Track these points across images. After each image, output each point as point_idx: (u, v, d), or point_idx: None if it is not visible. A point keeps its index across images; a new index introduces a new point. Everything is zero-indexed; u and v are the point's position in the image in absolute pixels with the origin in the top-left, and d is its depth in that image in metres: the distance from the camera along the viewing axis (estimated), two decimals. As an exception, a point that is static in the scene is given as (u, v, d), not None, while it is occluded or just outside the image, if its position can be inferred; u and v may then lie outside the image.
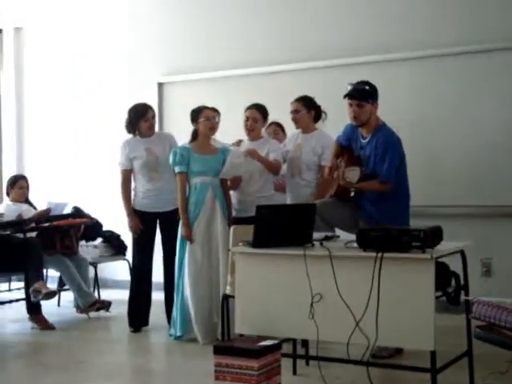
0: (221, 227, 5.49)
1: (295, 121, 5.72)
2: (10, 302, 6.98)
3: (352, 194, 5.07)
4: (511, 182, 6.19)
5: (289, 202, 5.67)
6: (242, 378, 3.72)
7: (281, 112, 5.88)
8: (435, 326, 3.58)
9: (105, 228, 7.34)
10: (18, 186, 6.90)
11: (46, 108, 8.71)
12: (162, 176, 5.91)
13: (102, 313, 6.62)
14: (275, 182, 5.75)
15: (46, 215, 6.73)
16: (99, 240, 7.35)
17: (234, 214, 5.65)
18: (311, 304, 3.85)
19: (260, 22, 7.36)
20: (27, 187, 6.99)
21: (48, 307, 6.63)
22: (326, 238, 4.17)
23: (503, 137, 6.23)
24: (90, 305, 6.58)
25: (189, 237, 5.47)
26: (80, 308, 6.64)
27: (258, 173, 5.57)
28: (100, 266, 7.29)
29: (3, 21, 8.66)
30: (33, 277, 6.09)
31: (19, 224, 6.55)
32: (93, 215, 7.22)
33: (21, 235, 6.50)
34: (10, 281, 7.72)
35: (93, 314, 6.61)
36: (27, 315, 6.33)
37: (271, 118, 5.87)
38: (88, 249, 7.20)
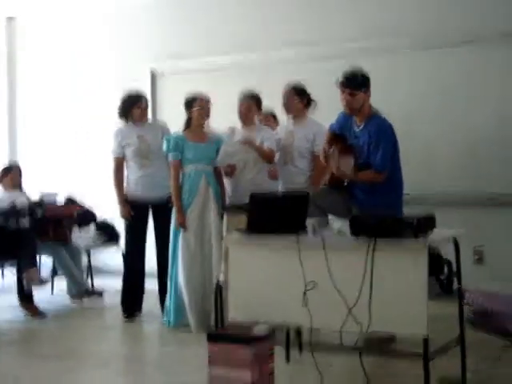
0: (214, 215, 5.49)
1: (287, 108, 5.72)
2: (4, 289, 6.98)
3: (345, 183, 5.06)
4: (503, 170, 6.22)
5: (281, 189, 5.67)
6: (235, 366, 3.72)
7: (274, 100, 5.87)
8: (428, 312, 3.60)
9: (98, 216, 7.33)
10: (11, 174, 6.88)
11: (39, 98, 8.69)
12: (154, 163, 5.91)
13: (95, 300, 6.62)
14: (268, 170, 5.75)
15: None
16: (92, 228, 7.34)
17: (228, 201, 5.65)
18: (304, 291, 3.86)
19: (254, 10, 7.35)
20: (20, 175, 6.97)
21: (41, 295, 6.64)
22: (319, 226, 4.16)
23: (496, 126, 6.26)
24: (84, 292, 6.59)
25: (182, 224, 5.48)
26: (73, 295, 6.65)
27: (252, 161, 5.57)
28: (93, 254, 7.30)
29: (-5, 10, 8.63)
30: (26, 264, 6.09)
31: (12, 212, 6.53)
32: (86, 204, 7.22)
33: (14, 223, 6.49)
34: (2, 267, 7.70)
35: (86, 301, 6.62)
36: (19, 303, 6.33)
37: (264, 106, 5.86)
38: (81, 236, 7.19)
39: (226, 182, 5.73)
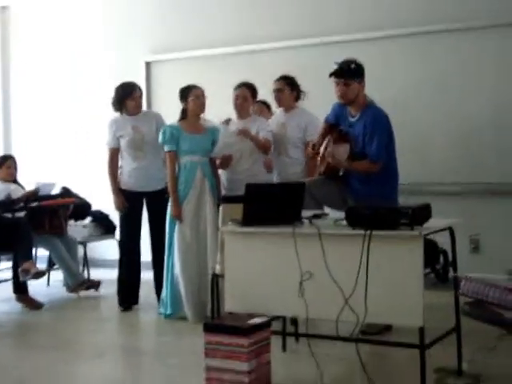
0: (210, 206, 5.50)
1: (278, 100, 5.75)
2: (0, 281, 6.98)
3: (341, 173, 5.07)
4: (499, 159, 6.22)
5: (276, 180, 5.68)
6: (231, 356, 3.74)
7: (268, 90, 5.86)
8: (424, 302, 3.60)
9: (94, 208, 7.33)
10: (6, 165, 6.86)
11: (33, 89, 8.65)
12: (147, 155, 5.91)
13: (92, 292, 6.63)
14: (263, 161, 5.74)
15: (34, 195, 6.72)
16: (88, 219, 7.34)
17: (223, 192, 5.65)
18: (300, 282, 3.86)
19: (248, 1, 7.32)
20: (15, 167, 6.95)
21: (37, 287, 6.66)
22: (315, 216, 4.17)
23: (490, 115, 6.25)
24: (80, 284, 6.59)
25: (178, 216, 5.47)
26: (70, 287, 6.65)
27: (248, 151, 5.58)
28: (89, 246, 7.29)
29: (-12, -1, 8.60)
30: (22, 256, 6.08)
31: (8, 204, 6.53)
32: (82, 195, 7.21)
33: (9, 215, 6.49)
34: (-1, 260, 7.72)
35: (82, 293, 6.62)
36: (14, 295, 6.33)
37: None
38: (77, 228, 7.18)
39: (222, 172, 5.73)
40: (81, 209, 7.16)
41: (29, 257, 6.15)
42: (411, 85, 6.52)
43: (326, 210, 4.93)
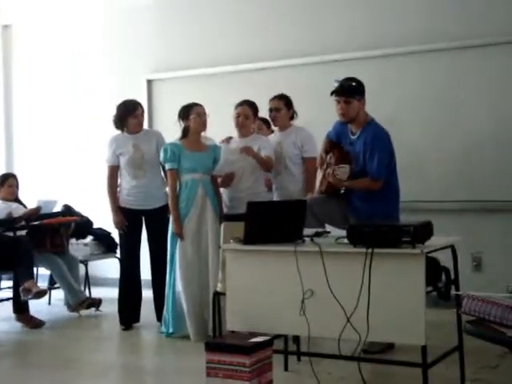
0: (211, 224, 5.49)
1: (275, 119, 5.77)
2: (0, 300, 6.96)
3: (342, 191, 5.07)
4: (500, 176, 6.21)
5: (276, 198, 5.69)
6: (233, 375, 3.72)
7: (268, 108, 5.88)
8: (426, 320, 3.59)
9: (95, 226, 7.33)
10: (8, 184, 6.87)
11: (35, 106, 8.68)
12: (147, 173, 5.91)
13: (93, 311, 6.61)
14: (265, 179, 5.75)
15: (36, 214, 6.72)
16: (89, 238, 7.33)
17: (225, 210, 5.65)
18: (302, 300, 3.85)
19: (249, 19, 7.36)
20: (17, 185, 6.96)
21: (38, 306, 6.64)
22: (317, 234, 4.17)
23: (490, 131, 6.26)
24: (81, 303, 6.57)
25: (179, 234, 5.47)
26: (71, 306, 6.63)
27: (249, 169, 5.59)
28: (90, 264, 7.27)
29: (-9, 18, 8.63)
30: (23, 275, 6.06)
31: (9, 222, 6.53)
32: (83, 213, 7.22)
33: (11, 234, 6.49)
34: (0, 279, 7.69)
35: (83, 311, 6.60)
36: (14, 315, 6.31)
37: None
38: (78, 247, 7.18)
39: (223, 190, 5.73)
40: (82, 227, 7.15)
41: (30, 276, 6.13)
42: (409, 102, 6.53)
43: (328, 227, 4.93)
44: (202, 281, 5.47)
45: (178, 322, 5.52)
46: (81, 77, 8.35)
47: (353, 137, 4.97)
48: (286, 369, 4.54)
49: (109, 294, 6.81)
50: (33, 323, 6.22)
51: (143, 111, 6.07)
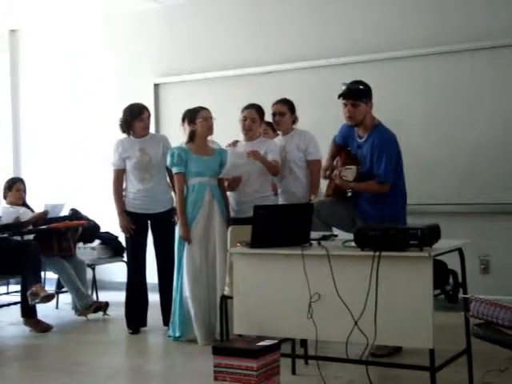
0: (219, 228, 5.49)
1: (279, 123, 5.76)
2: (9, 305, 6.98)
3: (349, 194, 5.07)
4: (508, 178, 6.20)
5: (282, 202, 5.69)
6: (241, 379, 3.71)
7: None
8: (434, 324, 3.59)
9: (102, 230, 7.33)
10: (15, 188, 6.90)
11: (42, 110, 8.71)
12: (154, 177, 5.91)
13: (100, 314, 6.62)
14: (272, 183, 5.75)
15: (43, 218, 6.73)
16: (97, 242, 7.34)
17: (232, 214, 5.65)
18: (309, 303, 3.85)
19: (255, 23, 7.37)
20: (24, 190, 6.98)
21: (46, 309, 6.65)
22: (324, 238, 4.17)
23: (498, 133, 6.25)
24: (88, 307, 6.57)
25: (187, 238, 5.47)
26: (78, 310, 6.63)
27: (256, 173, 5.59)
28: (98, 268, 7.28)
29: (-2, 23, 8.66)
30: (31, 280, 6.07)
31: (16, 227, 6.55)
32: (90, 217, 7.22)
33: (18, 238, 6.50)
34: (8, 284, 7.71)
35: (91, 315, 6.60)
36: (22, 319, 6.32)
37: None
38: (86, 251, 7.19)
39: (230, 194, 5.73)
40: (89, 231, 7.15)
41: (37, 280, 6.14)
42: (416, 105, 6.53)
43: (335, 231, 4.93)
44: (210, 284, 5.47)
45: (186, 326, 5.52)
46: (88, 81, 8.38)
47: (360, 140, 4.97)
48: (293, 372, 4.53)
49: (116, 298, 6.81)
50: (41, 327, 6.22)
51: (149, 115, 6.07)
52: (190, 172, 5.52)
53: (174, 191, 5.79)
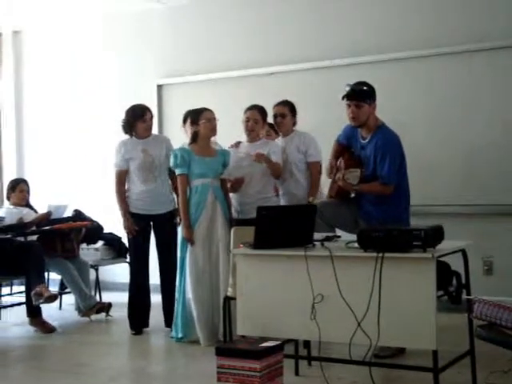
0: (222, 229, 5.49)
1: (280, 125, 5.76)
2: (12, 305, 6.98)
3: (352, 195, 5.07)
4: (507, 180, 6.19)
5: (283, 203, 5.69)
6: (244, 380, 3.72)
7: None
8: (437, 325, 3.58)
9: (106, 231, 7.34)
10: (19, 189, 6.91)
11: (46, 111, 8.71)
12: (157, 178, 5.92)
13: (103, 315, 6.62)
14: (274, 185, 5.75)
15: (46, 218, 6.74)
16: (100, 243, 7.34)
17: (235, 215, 5.65)
18: (313, 305, 3.85)
19: (258, 25, 7.37)
20: (28, 191, 6.99)
21: (49, 310, 6.65)
22: (327, 239, 4.17)
23: (500, 134, 6.24)
24: (91, 307, 6.58)
25: (190, 239, 5.47)
26: (81, 311, 6.64)
27: (258, 174, 5.59)
28: (101, 269, 7.29)
29: (2, 24, 8.65)
30: (34, 280, 6.08)
31: (20, 227, 6.56)
32: (94, 218, 7.23)
33: (22, 239, 6.51)
34: (11, 285, 7.72)
35: (94, 316, 6.61)
36: (27, 319, 6.33)
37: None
38: (89, 252, 7.19)
39: (232, 195, 5.73)
40: (93, 232, 7.16)
41: (41, 280, 6.15)
42: (416, 107, 6.53)
43: (338, 232, 4.92)
44: (213, 285, 5.47)
45: (188, 327, 5.52)
46: (91, 82, 8.38)
47: (363, 141, 4.97)
48: (296, 373, 4.53)
49: (119, 299, 6.82)
50: (46, 328, 6.23)
51: (152, 116, 6.07)
52: (192, 173, 5.52)
53: (175, 193, 5.80)
